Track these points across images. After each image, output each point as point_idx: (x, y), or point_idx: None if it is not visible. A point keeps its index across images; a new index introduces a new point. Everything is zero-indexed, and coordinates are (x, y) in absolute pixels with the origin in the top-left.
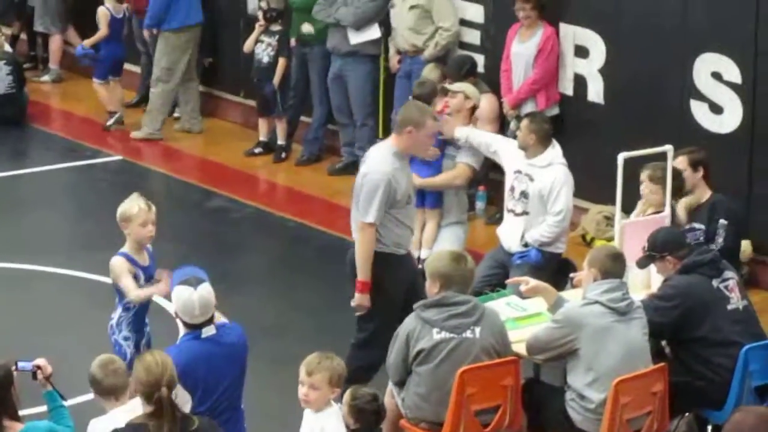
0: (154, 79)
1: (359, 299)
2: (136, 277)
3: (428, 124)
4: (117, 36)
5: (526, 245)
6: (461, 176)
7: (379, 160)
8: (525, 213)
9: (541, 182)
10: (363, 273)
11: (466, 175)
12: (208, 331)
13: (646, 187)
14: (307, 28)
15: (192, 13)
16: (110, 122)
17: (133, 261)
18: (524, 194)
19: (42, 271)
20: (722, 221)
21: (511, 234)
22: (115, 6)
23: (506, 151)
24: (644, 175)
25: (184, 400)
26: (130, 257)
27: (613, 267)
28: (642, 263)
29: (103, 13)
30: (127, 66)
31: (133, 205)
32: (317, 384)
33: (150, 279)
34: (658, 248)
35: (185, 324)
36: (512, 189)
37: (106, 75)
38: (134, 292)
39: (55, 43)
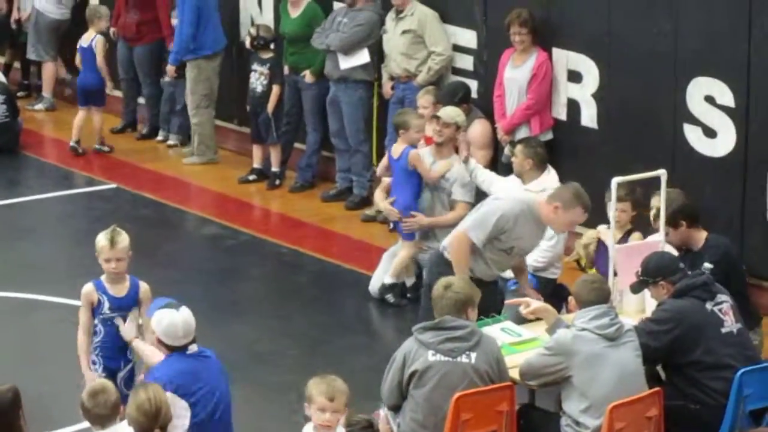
0: (194, 108)
1: None
2: (99, 304)
3: (577, 212)
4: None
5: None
6: (464, 214)
7: (520, 200)
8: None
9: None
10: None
11: (467, 212)
12: (192, 349)
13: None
14: (309, 77)
15: (219, 38)
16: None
17: (103, 289)
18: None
19: (36, 300)
20: (707, 264)
21: None
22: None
23: (503, 190)
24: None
25: (181, 413)
26: (101, 285)
27: (588, 295)
28: (636, 288)
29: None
30: (113, 92)
31: (100, 240)
32: (340, 407)
33: (121, 310)
34: (651, 273)
35: (168, 348)
36: None
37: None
38: (81, 328)
39: (47, 71)
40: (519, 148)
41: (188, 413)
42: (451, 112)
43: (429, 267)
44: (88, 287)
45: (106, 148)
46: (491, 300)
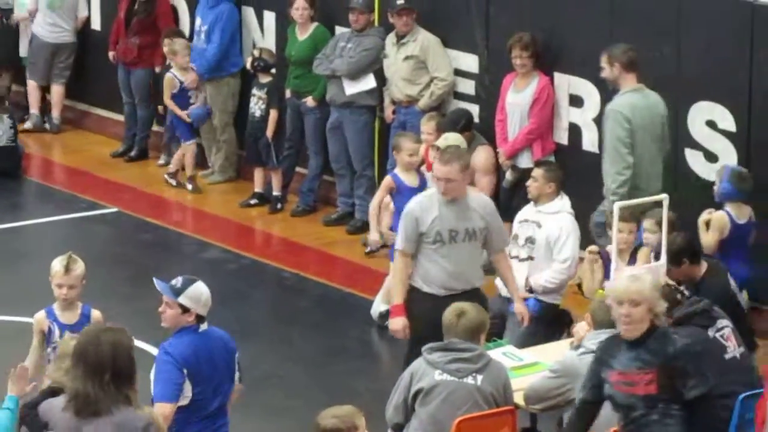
0: (223, 125)
1: (390, 324)
2: (50, 332)
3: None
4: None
5: (530, 290)
6: None
7: (420, 194)
8: (530, 258)
9: (549, 228)
10: (393, 297)
11: None
12: (203, 327)
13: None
14: (311, 102)
15: (239, 59)
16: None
17: (53, 317)
18: (530, 240)
19: None
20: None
21: (516, 279)
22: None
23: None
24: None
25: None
26: (52, 313)
27: (604, 317)
28: None
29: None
30: (111, 115)
31: (55, 264)
32: None
33: None
34: None
35: (197, 317)
36: (516, 237)
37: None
38: (29, 359)
39: (56, 93)
40: (540, 172)
41: (189, 393)
42: (451, 141)
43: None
44: (40, 314)
45: (189, 186)
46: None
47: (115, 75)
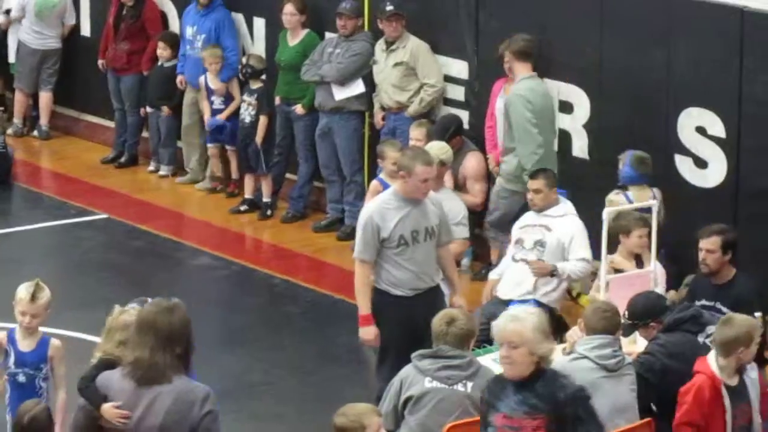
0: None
1: (360, 332)
2: (7, 355)
3: (418, 170)
4: None
5: (552, 274)
6: (463, 251)
7: (375, 199)
8: (540, 261)
9: (560, 231)
10: (359, 307)
11: (465, 248)
12: None
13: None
14: (300, 110)
15: None
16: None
17: (12, 340)
18: (540, 243)
19: None
20: (758, 314)
21: (521, 282)
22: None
23: (515, 225)
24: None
25: None
26: (12, 336)
27: (597, 323)
28: (626, 332)
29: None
30: (100, 121)
31: (20, 291)
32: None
33: (25, 366)
34: (639, 316)
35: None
36: (519, 241)
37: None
38: None
39: (43, 99)
40: (542, 182)
41: None
42: (435, 150)
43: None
44: (1, 334)
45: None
46: (420, 311)
47: (104, 81)
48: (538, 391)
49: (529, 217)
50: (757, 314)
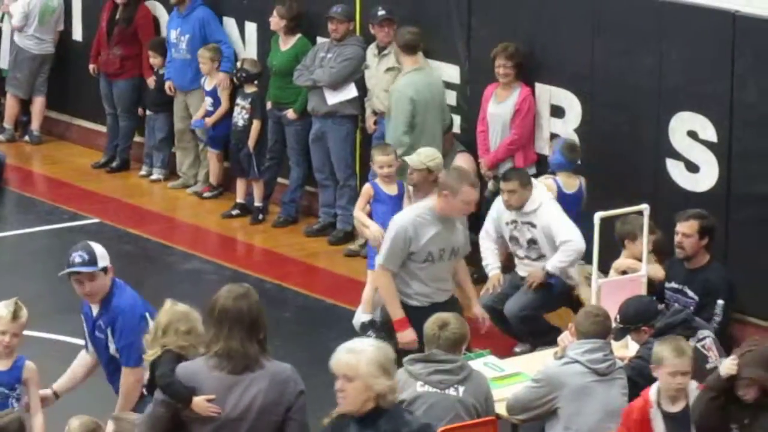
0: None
1: (398, 337)
2: None
3: (464, 191)
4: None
5: (549, 275)
6: None
7: (409, 210)
8: (542, 256)
9: (542, 224)
10: (392, 313)
11: None
12: None
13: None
14: (291, 114)
15: None
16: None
17: None
18: (533, 241)
19: None
20: (720, 302)
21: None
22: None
23: (495, 221)
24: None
25: None
26: None
27: (588, 327)
28: (617, 336)
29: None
30: (92, 126)
31: (1, 309)
32: None
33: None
34: (630, 320)
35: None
36: (515, 239)
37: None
38: None
39: (37, 105)
40: (515, 184)
41: None
42: (421, 158)
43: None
44: None
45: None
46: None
47: (96, 86)
48: (381, 428)
49: (509, 213)
50: (720, 302)
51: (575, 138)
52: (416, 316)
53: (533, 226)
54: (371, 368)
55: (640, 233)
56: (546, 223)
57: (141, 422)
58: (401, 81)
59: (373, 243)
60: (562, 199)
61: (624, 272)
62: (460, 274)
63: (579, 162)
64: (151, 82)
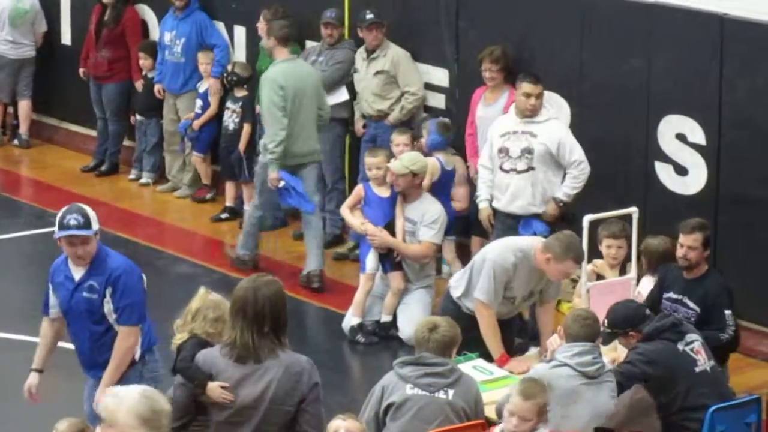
0: None
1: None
2: None
3: (567, 264)
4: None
5: (560, 203)
6: (429, 255)
7: (518, 250)
8: (530, 168)
9: (545, 136)
10: (492, 351)
11: (432, 252)
12: None
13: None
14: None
15: None
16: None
17: None
18: (528, 150)
19: (7, 339)
20: (728, 312)
21: (516, 192)
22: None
23: (491, 134)
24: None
25: None
26: None
27: (577, 331)
28: (605, 340)
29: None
30: (81, 130)
31: None
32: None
33: None
34: (618, 325)
35: None
36: (504, 150)
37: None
38: None
39: (23, 108)
40: (540, 88)
41: None
42: (405, 162)
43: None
44: None
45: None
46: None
47: (85, 90)
48: None
49: (509, 124)
50: (727, 312)
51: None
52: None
53: (533, 135)
54: (129, 418)
55: (604, 239)
56: (555, 137)
57: None
58: (270, 69)
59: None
60: (444, 176)
61: (599, 276)
62: (543, 316)
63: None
64: (139, 85)
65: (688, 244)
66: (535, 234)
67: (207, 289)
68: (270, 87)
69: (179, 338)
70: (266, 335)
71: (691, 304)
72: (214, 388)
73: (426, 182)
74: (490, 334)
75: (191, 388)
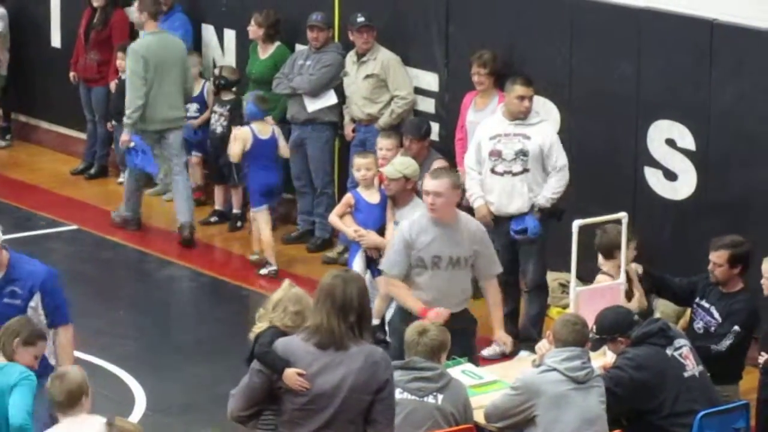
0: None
1: (430, 316)
2: None
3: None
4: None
5: (539, 210)
6: None
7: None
8: (525, 171)
9: (539, 138)
10: (414, 307)
11: None
12: None
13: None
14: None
15: None
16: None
17: None
18: (522, 152)
19: None
20: (736, 328)
21: (511, 194)
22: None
23: (480, 136)
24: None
25: None
26: None
27: (566, 336)
28: (594, 346)
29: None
30: (70, 132)
31: None
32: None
33: None
34: (606, 331)
35: None
36: (496, 153)
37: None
38: None
39: None
40: (532, 90)
41: None
42: (398, 167)
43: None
44: None
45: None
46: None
47: (74, 92)
48: None
49: (499, 126)
50: (735, 327)
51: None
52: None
53: (527, 137)
54: None
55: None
56: (548, 140)
57: (236, 391)
58: (137, 41)
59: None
60: (258, 143)
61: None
62: (488, 294)
63: (268, 110)
64: (113, 86)
65: (713, 260)
66: (527, 230)
67: (291, 282)
68: (133, 57)
69: (258, 327)
70: (350, 325)
71: (716, 315)
72: (290, 375)
73: (237, 150)
74: (403, 294)
75: (268, 374)
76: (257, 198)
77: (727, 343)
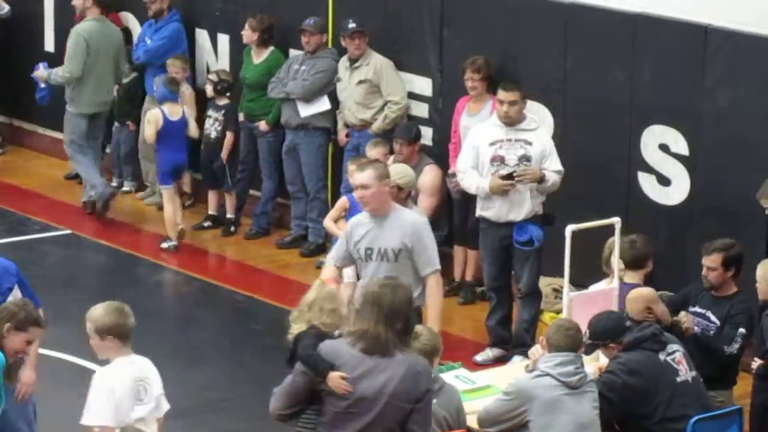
0: None
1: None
2: None
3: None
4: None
5: (540, 181)
6: None
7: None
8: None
9: (539, 143)
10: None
11: None
12: None
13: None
14: (264, 126)
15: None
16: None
17: None
18: (526, 158)
19: None
20: (742, 330)
21: (513, 201)
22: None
23: (477, 142)
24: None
25: None
26: None
27: (560, 341)
28: (587, 351)
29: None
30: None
31: None
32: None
33: None
34: (599, 336)
35: None
36: (498, 158)
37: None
38: None
39: None
40: (517, 94)
41: None
42: (393, 175)
43: None
44: None
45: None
46: None
47: None
48: None
49: (497, 132)
50: (742, 330)
51: None
52: None
53: (528, 143)
54: None
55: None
56: (547, 146)
57: (278, 391)
58: (81, 24)
59: None
60: (169, 125)
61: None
62: (427, 290)
63: (179, 93)
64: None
65: (707, 264)
66: (531, 238)
67: (322, 280)
68: (76, 38)
69: (297, 328)
70: (397, 333)
71: (713, 318)
72: (334, 378)
73: (151, 132)
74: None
75: (312, 376)
76: (165, 176)
77: (736, 345)
